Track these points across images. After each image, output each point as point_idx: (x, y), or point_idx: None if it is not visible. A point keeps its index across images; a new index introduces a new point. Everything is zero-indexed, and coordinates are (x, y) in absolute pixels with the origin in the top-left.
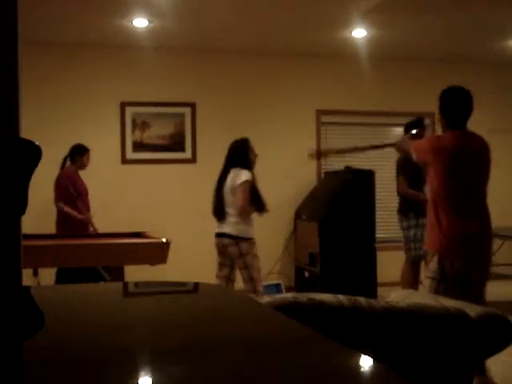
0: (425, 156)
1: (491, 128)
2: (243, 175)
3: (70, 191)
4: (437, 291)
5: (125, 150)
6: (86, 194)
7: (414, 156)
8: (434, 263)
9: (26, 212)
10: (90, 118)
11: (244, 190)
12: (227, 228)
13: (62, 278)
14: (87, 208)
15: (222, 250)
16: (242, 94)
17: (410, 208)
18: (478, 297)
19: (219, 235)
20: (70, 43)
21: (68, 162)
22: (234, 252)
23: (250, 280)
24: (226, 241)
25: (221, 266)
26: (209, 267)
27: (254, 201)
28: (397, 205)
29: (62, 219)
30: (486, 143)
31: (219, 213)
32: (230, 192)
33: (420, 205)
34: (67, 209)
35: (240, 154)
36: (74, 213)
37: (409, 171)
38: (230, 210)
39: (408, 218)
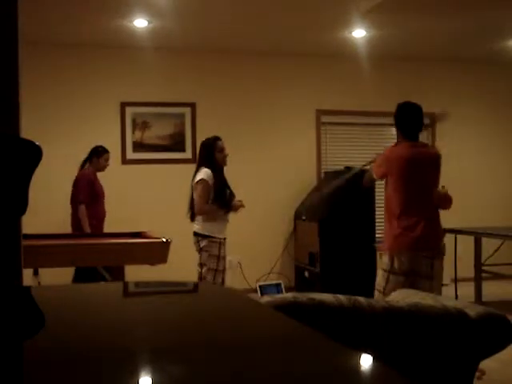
0: (381, 168)
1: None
2: (199, 174)
3: (88, 192)
4: (387, 281)
5: (125, 150)
6: (103, 196)
7: (374, 174)
8: (385, 258)
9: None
10: (90, 118)
11: (197, 189)
12: (195, 226)
13: (79, 278)
14: (103, 211)
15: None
16: (242, 93)
17: None
18: (428, 289)
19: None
20: (70, 43)
21: (87, 164)
22: (196, 248)
23: (203, 279)
24: (194, 239)
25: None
26: None
27: (217, 198)
28: None
29: (79, 221)
30: (436, 153)
31: (189, 213)
32: (193, 190)
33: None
34: (82, 214)
35: (206, 154)
36: (86, 223)
37: None
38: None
39: None
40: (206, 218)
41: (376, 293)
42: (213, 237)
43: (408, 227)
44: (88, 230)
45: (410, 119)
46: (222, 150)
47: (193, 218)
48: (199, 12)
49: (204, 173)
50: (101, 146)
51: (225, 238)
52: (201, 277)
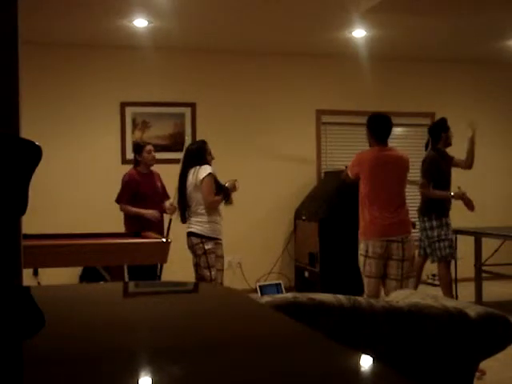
0: (354, 169)
1: None
2: (204, 170)
3: (128, 194)
4: (364, 264)
5: (125, 150)
6: (155, 196)
7: (349, 173)
8: (361, 244)
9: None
10: (90, 118)
11: (207, 184)
12: (195, 227)
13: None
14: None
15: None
16: (241, 93)
17: (432, 209)
18: (400, 269)
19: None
20: (70, 43)
21: (134, 166)
22: (198, 251)
23: (213, 281)
24: (194, 240)
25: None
26: None
27: (220, 190)
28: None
29: (128, 218)
30: (403, 156)
31: (183, 215)
32: (193, 190)
33: (442, 205)
34: (125, 211)
35: (197, 156)
36: (134, 209)
37: (433, 172)
38: (198, 208)
39: (431, 218)
40: (209, 219)
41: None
42: (218, 238)
43: (376, 217)
44: (145, 212)
45: (379, 128)
46: (210, 152)
47: (184, 220)
48: (199, 12)
49: (208, 168)
50: (137, 143)
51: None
52: (200, 278)
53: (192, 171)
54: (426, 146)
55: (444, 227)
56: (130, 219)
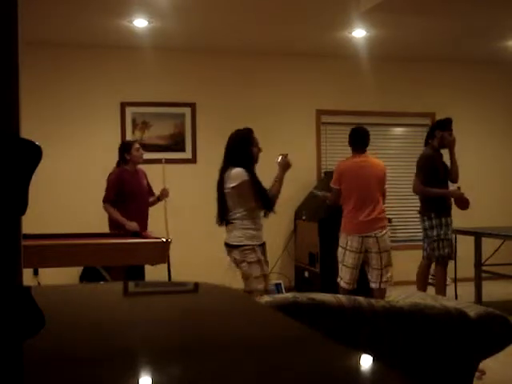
0: (335, 177)
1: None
2: (234, 178)
3: (113, 192)
4: (344, 255)
5: None
6: (142, 194)
7: (332, 183)
8: (342, 238)
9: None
10: (90, 118)
11: (244, 190)
12: (235, 236)
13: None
14: (141, 209)
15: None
16: (241, 93)
17: (430, 208)
18: (379, 259)
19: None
20: (70, 43)
21: (122, 164)
22: (241, 260)
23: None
24: (226, 249)
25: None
26: (209, 267)
27: (260, 198)
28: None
29: (112, 220)
30: (378, 163)
31: (221, 220)
32: (225, 195)
33: (442, 203)
34: (111, 211)
35: (241, 148)
36: (118, 216)
37: (426, 171)
38: (231, 215)
39: (430, 217)
40: (252, 225)
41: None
42: (247, 244)
43: (352, 216)
44: (127, 223)
45: (354, 139)
46: (257, 144)
47: (221, 222)
48: (199, 12)
49: (240, 174)
50: (126, 141)
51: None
52: (250, 292)
53: (228, 172)
54: (425, 143)
55: (444, 227)
56: (113, 219)
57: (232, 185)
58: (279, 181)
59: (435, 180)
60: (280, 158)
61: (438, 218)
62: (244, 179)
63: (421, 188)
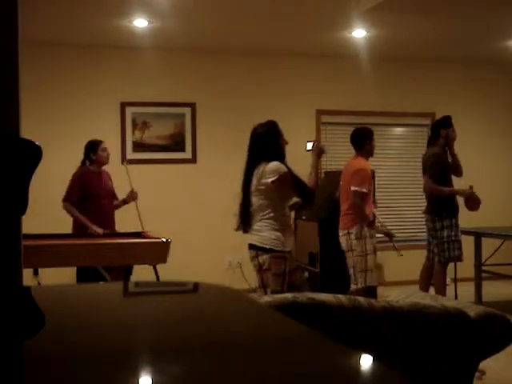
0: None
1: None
2: (273, 169)
3: (76, 192)
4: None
5: (125, 150)
6: (107, 195)
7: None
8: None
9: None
10: (90, 118)
11: (284, 183)
12: (254, 237)
13: (82, 278)
14: (106, 211)
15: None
16: (241, 93)
17: (441, 208)
18: (351, 258)
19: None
20: (70, 43)
21: (87, 163)
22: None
23: None
24: (250, 253)
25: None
26: (209, 267)
27: (300, 191)
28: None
29: (76, 221)
30: (352, 163)
31: (245, 222)
32: (256, 193)
33: (452, 204)
34: (73, 211)
35: (271, 143)
36: (81, 217)
37: (437, 169)
38: (264, 214)
39: (441, 218)
40: (287, 227)
41: None
42: (289, 251)
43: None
44: (89, 224)
45: (351, 140)
46: (283, 135)
47: (246, 229)
48: (199, 12)
49: (280, 165)
50: (92, 140)
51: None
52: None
53: (258, 169)
54: (429, 143)
55: (454, 227)
56: (77, 220)
57: (271, 179)
58: (315, 169)
59: (445, 179)
60: (311, 144)
61: (449, 218)
62: (284, 171)
63: (434, 187)
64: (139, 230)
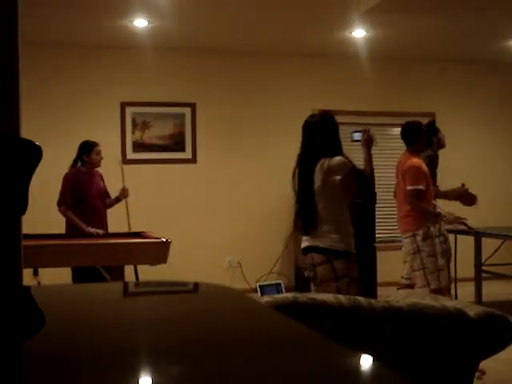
0: None
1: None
2: (342, 167)
3: (69, 194)
4: None
5: (125, 150)
6: (99, 196)
7: None
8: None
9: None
10: (90, 118)
11: (347, 180)
12: (319, 240)
13: (78, 278)
14: (98, 211)
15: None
16: (241, 93)
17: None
18: None
19: (307, 250)
20: (70, 43)
21: (79, 163)
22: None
23: None
24: (317, 257)
25: None
26: (209, 267)
27: (363, 189)
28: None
29: (70, 223)
30: (401, 162)
31: (311, 223)
32: (321, 191)
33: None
34: (69, 214)
35: (329, 136)
36: (76, 220)
37: (432, 172)
38: (335, 215)
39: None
40: (350, 227)
41: None
42: (354, 253)
43: None
44: (85, 227)
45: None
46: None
47: (308, 231)
48: (199, 12)
49: (345, 161)
50: (87, 141)
51: None
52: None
53: (319, 167)
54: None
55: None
56: (71, 224)
57: (339, 176)
58: (368, 162)
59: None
60: (358, 134)
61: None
62: (350, 167)
63: (436, 190)
64: (127, 229)
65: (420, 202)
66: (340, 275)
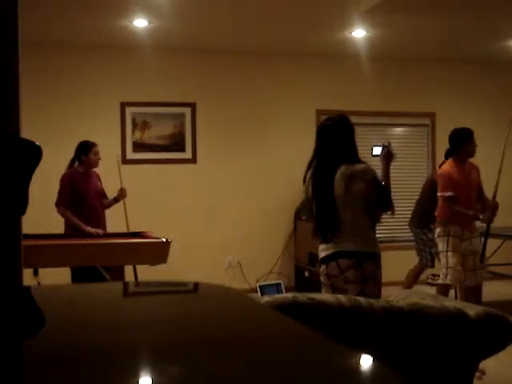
0: None
1: None
2: (367, 174)
3: (68, 194)
4: None
5: (125, 150)
6: (96, 196)
7: None
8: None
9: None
10: (90, 118)
11: (371, 184)
12: (346, 245)
13: (77, 278)
14: (96, 212)
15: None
16: (242, 93)
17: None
18: None
19: (333, 256)
20: (70, 43)
21: (76, 163)
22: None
23: None
24: (345, 262)
25: None
26: (209, 267)
27: (381, 198)
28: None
29: (69, 224)
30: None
31: (333, 230)
32: (343, 198)
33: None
34: (68, 215)
35: (348, 140)
36: (76, 220)
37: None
38: (357, 221)
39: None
40: (367, 231)
41: None
42: (378, 255)
43: None
44: (85, 227)
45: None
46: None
47: (327, 238)
48: (199, 12)
49: (370, 168)
50: (86, 141)
51: None
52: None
53: (340, 174)
54: (447, 156)
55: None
56: (70, 224)
57: (363, 183)
58: (386, 176)
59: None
60: (379, 149)
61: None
62: (374, 175)
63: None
64: (125, 230)
65: (453, 205)
66: (368, 277)
